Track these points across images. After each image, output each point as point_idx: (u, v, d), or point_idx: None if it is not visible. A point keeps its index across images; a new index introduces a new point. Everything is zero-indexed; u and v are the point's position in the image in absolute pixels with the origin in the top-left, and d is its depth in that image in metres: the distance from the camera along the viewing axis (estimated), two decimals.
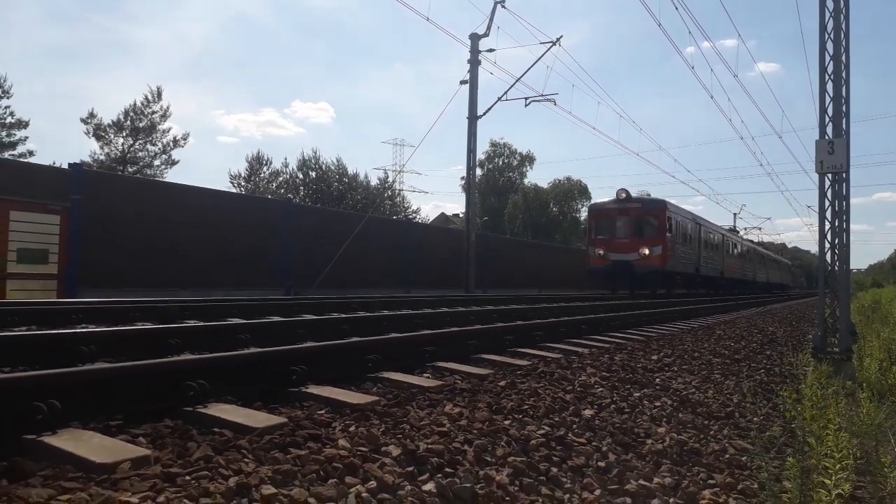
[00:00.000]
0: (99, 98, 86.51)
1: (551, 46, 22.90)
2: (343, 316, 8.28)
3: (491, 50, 23.63)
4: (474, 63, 23.60)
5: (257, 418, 3.17)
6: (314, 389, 3.87)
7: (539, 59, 23.57)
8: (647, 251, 22.78)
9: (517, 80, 23.57)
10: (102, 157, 43.86)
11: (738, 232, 43.96)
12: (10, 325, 6.26)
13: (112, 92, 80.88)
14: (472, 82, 23.67)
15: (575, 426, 3.89)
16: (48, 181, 14.06)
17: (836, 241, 9.38)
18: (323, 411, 3.49)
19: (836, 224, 9.36)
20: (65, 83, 69.69)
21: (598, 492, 3.07)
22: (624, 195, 24.10)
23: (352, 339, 5.75)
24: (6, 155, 39.98)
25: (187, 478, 2.36)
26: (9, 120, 40.93)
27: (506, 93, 24.01)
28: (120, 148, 44.30)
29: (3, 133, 40.93)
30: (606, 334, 8.71)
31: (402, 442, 3.04)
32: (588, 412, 4.24)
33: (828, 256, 9.44)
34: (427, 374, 4.81)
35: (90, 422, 2.92)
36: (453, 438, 3.22)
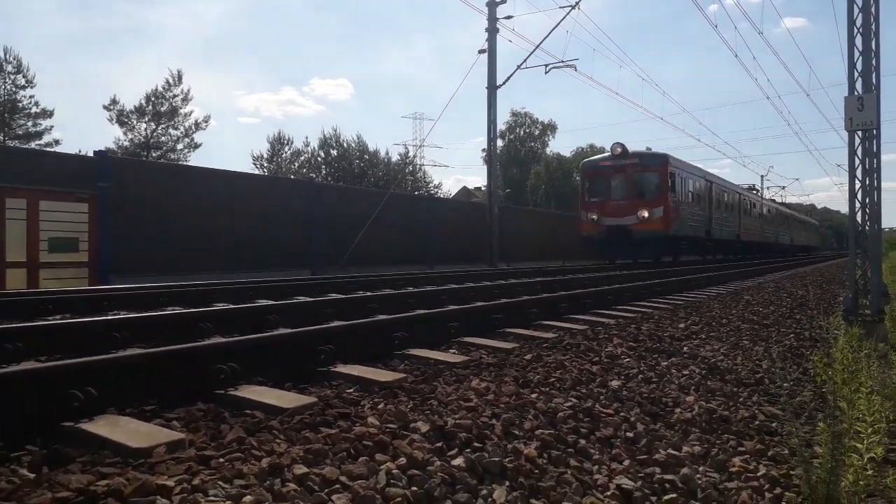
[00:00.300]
0: (121, 84, 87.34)
1: (570, 10, 22.44)
2: (369, 294, 8.35)
3: (509, 17, 23.39)
4: (492, 31, 23.29)
5: (288, 399, 3.23)
6: (342, 368, 3.92)
7: (558, 24, 23.16)
8: (646, 213, 20.25)
9: (536, 47, 23.23)
10: (126, 144, 44.37)
11: (757, 191, 40.21)
12: (45, 313, 6.41)
13: (134, 77, 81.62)
14: (491, 51, 23.39)
15: (602, 397, 3.90)
16: (75, 170, 14.26)
17: (867, 199, 9.17)
18: (352, 390, 3.54)
19: (867, 182, 9.14)
20: (87, 70, 70.47)
21: (626, 462, 3.08)
22: (619, 150, 21.46)
23: (378, 317, 5.80)
24: (33, 144, 40.65)
25: (221, 460, 2.41)
26: (34, 110, 41.48)
27: (525, 60, 23.70)
28: (143, 133, 44.74)
29: (30, 123, 41.52)
30: (632, 304, 8.67)
31: (430, 418, 3.07)
32: (615, 383, 4.24)
33: (858, 216, 9.24)
34: (453, 350, 4.84)
35: (126, 407, 3.00)
36: (481, 413, 3.25)
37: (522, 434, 3.11)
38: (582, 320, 6.78)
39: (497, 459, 2.71)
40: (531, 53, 24.50)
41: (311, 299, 7.37)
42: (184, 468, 2.29)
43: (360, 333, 4.53)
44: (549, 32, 23.15)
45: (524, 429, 3.17)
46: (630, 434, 3.42)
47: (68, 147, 44.51)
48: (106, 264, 13.27)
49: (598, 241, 21.38)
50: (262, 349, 3.81)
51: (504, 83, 23.59)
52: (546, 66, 23.78)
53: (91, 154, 15.85)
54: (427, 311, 5.90)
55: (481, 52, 23.55)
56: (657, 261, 21.59)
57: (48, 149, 39.18)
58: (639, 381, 4.42)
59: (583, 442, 3.18)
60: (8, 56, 40.00)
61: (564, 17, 22.77)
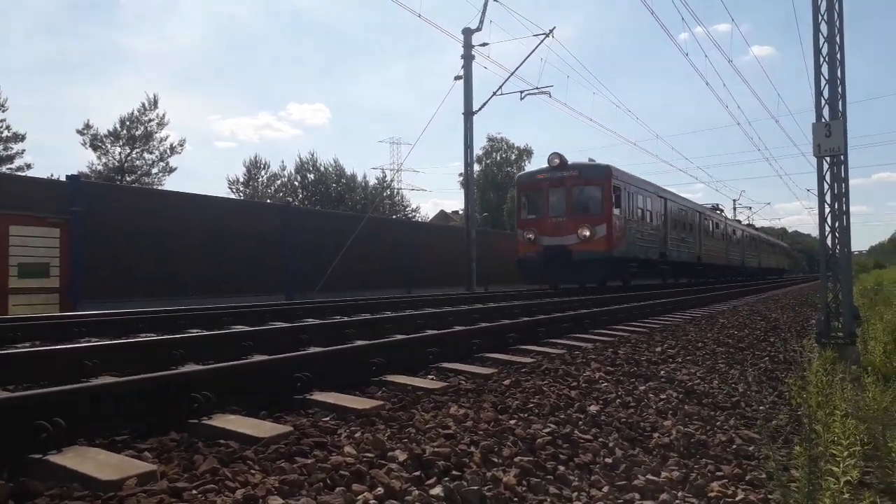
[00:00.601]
0: (95, 108, 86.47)
1: (545, 38, 22.80)
2: (346, 319, 8.28)
3: (484, 44, 23.59)
4: (468, 58, 23.56)
5: (263, 428, 3.17)
6: (319, 396, 3.87)
7: (533, 51, 23.53)
8: (587, 232, 18.02)
9: (511, 74, 23.58)
10: (100, 168, 43.82)
11: (721, 210, 37.22)
12: (13, 341, 6.26)
13: (108, 102, 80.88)
14: (467, 78, 23.63)
15: (581, 423, 3.89)
16: (47, 194, 14.06)
17: (836, 223, 9.36)
18: (328, 418, 3.49)
19: (836, 207, 9.33)
20: (60, 94, 69.76)
21: (606, 489, 3.06)
22: (557, 161, 19.19)
23: (355, 342, 5.75)
24: (4, 169, 39.97)
25: (194, 492, 2.35)
26: (5, 133, 40.90)
27: (500, 87, 23.95)
28: (117, 157, 44.25)
29: (0, 147, 40.89)
30: (610, 327, 8.71)
31: (408, 446, 3.04)
32: (593, 408, 4.24)
33: (828, 240, 9.42)
34: (431, 376, 4.81)
35: (96, 438, 2.93)
36: (459, 440, 3.22)
37: (501, 461, 3.09)
38: (560, 344, 6.79)
39: (476, 488, 2.68)
40: (506, 80, 24.83)
41: (287, 325, 7.30)
42: (155, 501, 2.23)
43: (336, 360, 4.48)
44: (524, 60, 23.91)
45: (503, 456, 3.14)
46: (609, 460, 3.41)
47: (40, 171, 43.91)
48: (77, 290, 13.03)
49: (534, 263, 18.92)
50: (237, 377, 3.75)
51: (480, 109, 23.82)
52: (521, 92, 24.08)
53: (63, 178, 15.65)
54: (405, 336, 5.87)
55: (457, 78, 23.78)
56: (602, 285, 19.85)
57: (19, 173, 38.57)
58: (617, 406, 4.42)
59: (562, 468, 3.16)
60: None
61: (539, 45, 23.14)
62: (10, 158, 41.20)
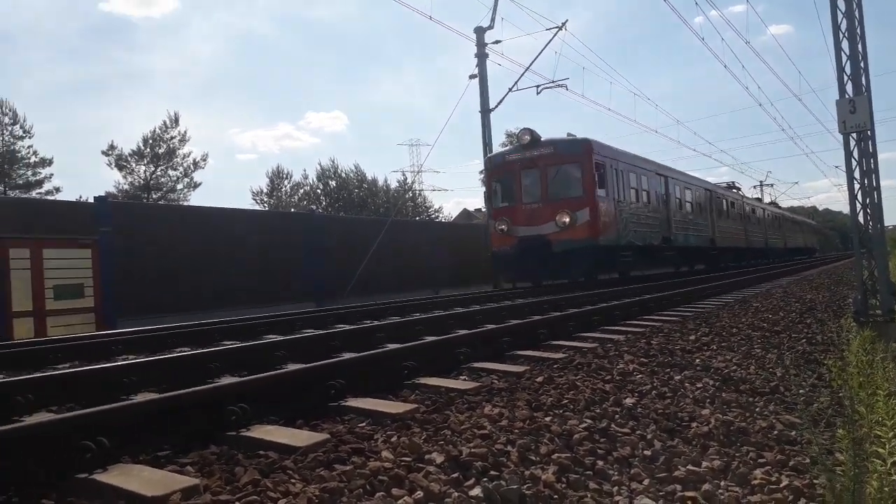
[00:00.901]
0: (119, 129, 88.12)
1: (558, 31, 22.61)
2: (376, 323, 8.32)
3: (497, 42, 23.56)
4: (481, 56, 23.51)
5: (300, 437, 3.20)
6: (354, 402, 3.90)
7: (546, 45, 23.33)
8: (567, 218, 15.62)
9: (526, 69, 23.41)
10: (126, 187, 44.66)
11: (738, 188, 33.68)
12: (54, 362, 6.39)
13: (131, 122, 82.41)
14: (482, 75, 23.59)
15: (617, 416, 3.86)
16: (76, 216, 14.38)
17: (867, 200, 9.17)
18: (364, 424, 3.51)
19: (866, 183, 9.15)
20: (84, 118, 71.22)
21: (646, 481, 3.04)
22: (528, 137, 16.79)
23: (387, 347, 5.78)
24: (34, 193, 40.90)
25: None
26: (33, 159, 41.83)
27: (516, 83, 23.81)
28: (142, 176, 45.05)
29: (29, 172, 41.82)
30: (642, 318, 8.63)
31: (445, 448, 3.04)
32: (629, 400, 4.20)
33: (860, 217, 9.23)
34: (463, 377, 4.81)
35: (139, 454, 2.98)
36: (495, 440, 3.22)
37: (539, 459, 3.08)
38: (591, 338, 6.74)
39: (515, 487, 2.67)
40: (521, 76, 24.55)
41: (318, 332, 7.35)
42: None
43: (369, 365, 4.51)
44: (538, 54, 23.28)
45: (540, 454, 3.13)
46: (648, 452, 3.38)
47: (69, 194, 44.93)
48: (112, 308, 13.27)
49: (509, 257, 16.55)
50: (272, 387, 3.80)
51: (496, 106, 23.75)
52: (537, 86, 23.92)
53: (91, 200, 15.97)
54: (435, 338, 5.88)
55: (472, 76, 23.75)
56: (589, 279, 17.09)
57: (48, 197, 39.46)
58: (653, 398, 4.38)
59: (600, 463, 3.15)
60: (3, 108, 40.48)
61: (552, 39, 22.97)
62: (40, 183, 42.14)
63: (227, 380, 4.69)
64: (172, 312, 13.67)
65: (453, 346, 5.33)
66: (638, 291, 12.61)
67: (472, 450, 3.03)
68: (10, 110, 40.67)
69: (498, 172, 17.69)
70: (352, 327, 7.77)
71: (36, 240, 12.59)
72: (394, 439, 3.18)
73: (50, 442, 2.72)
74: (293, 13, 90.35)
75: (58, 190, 42.72)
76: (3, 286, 11.95)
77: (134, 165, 44.98)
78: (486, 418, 3.57)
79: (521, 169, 16.75)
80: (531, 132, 16.87)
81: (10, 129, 40.75)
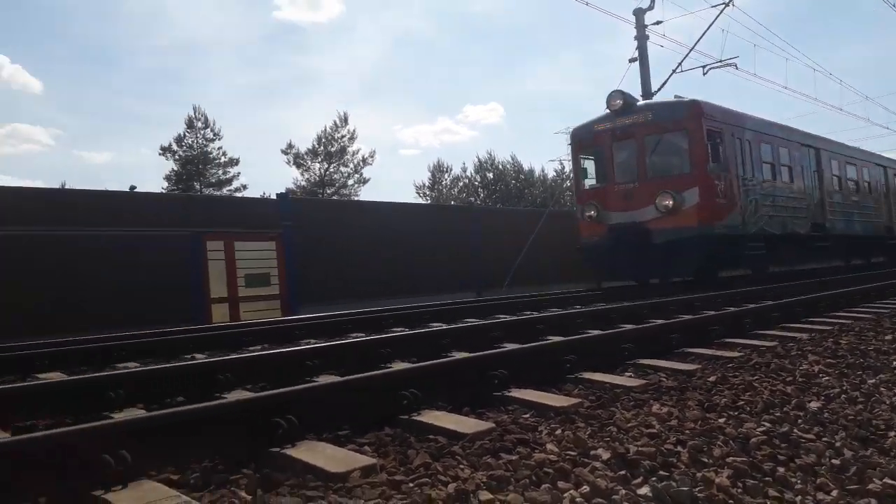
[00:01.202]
0: (296, 128, 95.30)
1: (724, 8, 21.13)
2: (537, 315, 8.35)
3: (658, 22, 22.38)
4: (641, 38, 22.55)
5: (467, 424, 3.31)
6: (516, 393, 3.96)
7: (712, 23, 21.83)
8: (669, 201, 12.68)
9: (691, 50, 22.06)
10: (304, 183, 48.30)
11: None
12: (247, 344, 7.11)
13: (306, 121, 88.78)
14: (642, 58, 22.60)
15: (800, 421, 3.59)
16: (262, 211, 15.87)
17: None
18: (527, 415, 3.56)
19: None
20: (265, 119, 77.47)
21: (835, 492, 2.81)
22: (619, 102, 13.79)
23: (549, 339, 5.79)
24: (224, 191, 45.44)
25: (410, 485, 2.53)
26: (222, 159, 46.44)
27: (680, 64, 22.54)
28: (317, 173, 48.47)
29: (220, 171, 46.50)
30: (828, 314, 7.91)
31: (611, 445, 3.01)
32: (814, 404, 3.89)
33: None
34: (629, 373, 4.70)
35: (322, 433, 3.24)
36: (664, 440, 3.13)
37: (712, 462, 2.95)
38: (770, 336, 6.29)
39: (686, 489, 2.59)
40: (686, 56, 23.22)
41: (480, 322, 7.52)
42: (378, 492, 2.44)
43: (531, 357, 4.55)
44: (703, 33, 21.93)
45: (713, 456, 3.00)
46: (836, 461, 3.11)
47: (254, 191, 49.26)
48: (294, 296, 14.46)
49: (600, 250, 13.71)
50: (440, 374, 3.96)
51: (660, 89, 22.54)
52: (703, 67, 22.50)
53: (274, 196, 17.49)
54: (600, 332, 5.80)
55: (632, 60, 22.81)
56: (703, 278, 13.75)
57: (237, 194, 43.64)
58: (842, 402, 4.02)
59: (781, 470, 2.95)
60: (197, 113, 45.42)
61: (718, 16, 21.45)
62: (229, 181, 46.72)
63: (399, 365, 4.95)
64: (346, 300, 14.61)
65: (618, 341, 5.22)
66: (827, 286, 11.53)
67: (640, 448, 2.97)
68: (202, 115, 45.60)
69: (585, 147, 14.91)
70: (512, 318, 7.86)
71: (228, 233, 14.02)
72: (558, 432, 3.20)
73: (248, 417, 3.04)
74: (450, 10, 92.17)
75: (244, 187, 47.13)
76: (202, 275, 13.45)
77: (309, 163, 48.57)
78: (653, 417, 3.47)
79: (613, 141, 13.94)
80: (623, 95, 13.92)
81: (202, 132, 45.65)
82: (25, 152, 69.10)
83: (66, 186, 35.81)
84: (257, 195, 38.35)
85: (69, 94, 71.12)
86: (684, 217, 12.66)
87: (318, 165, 48.52)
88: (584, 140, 14.92)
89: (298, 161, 48.39)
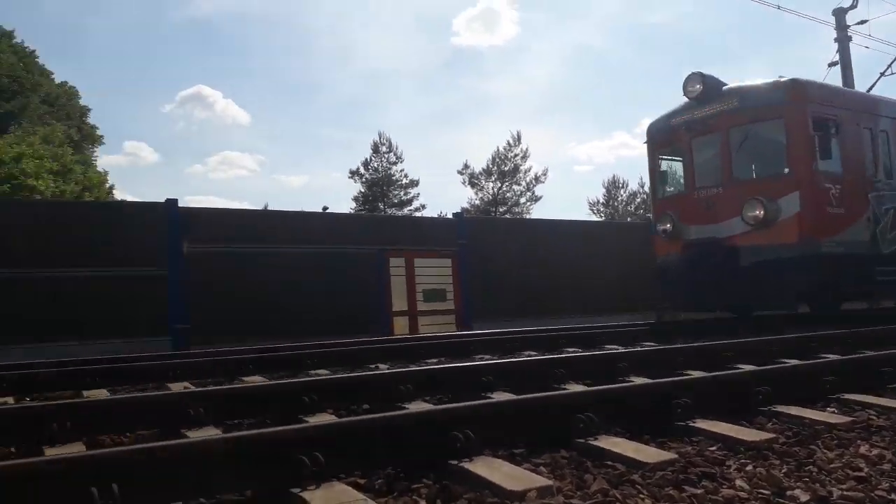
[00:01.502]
0: (471, 150, 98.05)
1: None
2: (726, 341, 7.82)
3: (862, 22, 20.27)
4: (843, 40, 20.51)
5: (647, 453, 3.19)
6: (701, 424, 3.74)
7: None
8: (758, 211, 10.00)
9: None
10: (477, 202, 49.46)
11: None
12: (425, 356, 7.40)
13: (480, 142, 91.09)
14: (844, 62, 20.55)
15: None
16: (439, 230, 16.51)
17: None
18: (714, 448, 3.35)
19: None
20: (441, 141, 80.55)
21: None
22: (698, 86, 10.98)
23: (738, 368, 5.41)
24: (405, 210, 47.82)
25: None
26: (404, 181, 49.03)
27: (889, 66, 20.16)
28: (491, 192, 49.43)
29: (401, 192, 49.07)
30: None
31: (810, 486, 2.75)
32: None
33: None
34: (831, 408, 4.26)
35: (497, 450, 3.28)
36: (875, 485, 2.79)
37: None
38: None
39: None
40: None
41: (659, 346, 7.21)
42: None
43: (717, 386, 4.27)
44: None
45: None
46: None
47: (431, 210, 51.31)
48: (468, 312, 14.83)
49: (675, 272, 11.10)
50: (617, 399, 3.85)
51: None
52: None
53: (450, 215, 18.14)
54: (797, 362, 5.31)
55: (832, 64, 20.84)
56: (811, 310, 10.98)
57: (416, 213, 45.72)
58: None
59: None
60: (381, 138, 48.57)
61: None
62: (409, 201, 49.12)
63: (574, 387, 4.89)
64: (519, 317, 14.70)
65: (819, 373, 4.75)
66: None
67: (845, 492, 2.68)
68: (386, 140, 48.68)
69: (661, 145, 12.16)
70: (697, 344, 7.43)
71: (408, 250, 14.75)
72: (749, 468, 2.98)
73: (428, 429, 3.17)
74: (626, 22, 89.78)
75: (423, 207, 49.24)
76: (386, 289, 14.24)
77: (483, 182, 49.67)
78: (861, 458, 3.12)
79: (692, 137, 11.18)
80: (704, 78, 10.95)
81: (386, 156, 48.60)
82: (235, 177, 77.85)
83: (268, 207, 39.83)
84: (434, 214, 39.90)
85: (271, 123, 79.44)
86: (780, 231, 9.88)
87: (491, 184, 49.51)
88: (660, 137, 12.15)
89: (473, 181, 49.72)
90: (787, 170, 10.25)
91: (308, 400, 4.36)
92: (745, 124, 10.53)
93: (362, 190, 48.63)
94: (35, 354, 8.70)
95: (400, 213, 46.41)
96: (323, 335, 10.18)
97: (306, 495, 2.61)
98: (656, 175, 12.53)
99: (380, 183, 48.19)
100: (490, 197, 49.29)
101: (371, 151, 48.69)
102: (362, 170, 48.52)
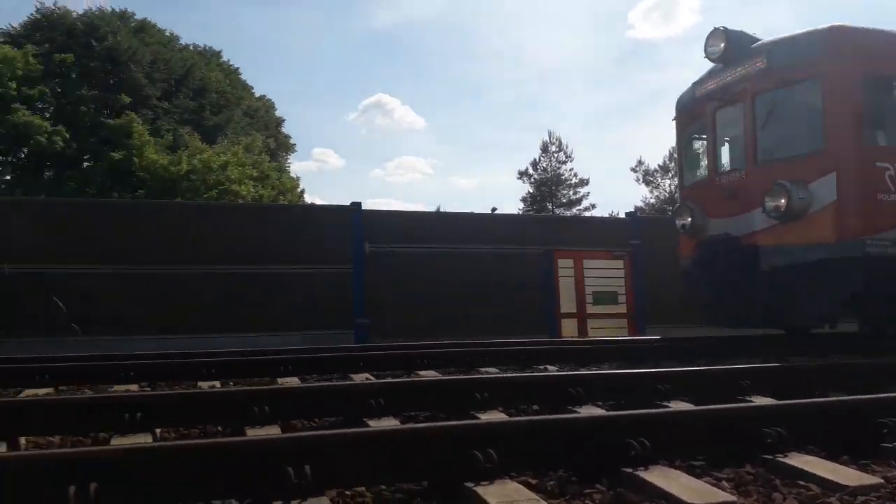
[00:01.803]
0: (645, 146, 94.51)
1: None
2: None
3: None
4: None
5: (846, 475, 2.91)
6: None
7: None
8: (781, 200, 7.58)
9: None
10: (652, 201, 47.54)
11: None
12: (599, 360, 7.23)
13: (655, 139, 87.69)
14: None
15: None
16: (610, 230, 16.10)
17: None
18: None
19: None
20: (614, 138, 78.46)
21: None
22: (721, 44, 8.56)
23: None
24: (574, 210, 47.10)
25: None
26: (573, 180, 48.31)
27: None
28: (667, 189, 47.23)
29: (571, 192, 48.41)
30: None
31: None
32: None
33: None
34: None
35: (674, 460, 3.15)
36: None
37: None
38: None
39: None
40: None
41: (867, 361, 6.49)
42: None
43: None
44: None
45: None
46: None
47: (602, 210, 50.09)
48: (641, 316, 14.31)
49: (693, 275, 9.23)
50: (813, 415, 3.54)
51: None
52: None
53: (622, 215, 17.60)
54: None
55: None
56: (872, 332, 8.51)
57: (586, 213, 44.89)
58: None
59: None
60: (551, 138, 48.19)
61: None
62: (579, 201, 48.34)
63: (762, 400, 4.57)
64: (687, 323, 13.90)
65: None
66: None
67: None
68: (556, 139, 48.26)
69: (688, 121, 9.89)
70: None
71: (577, 251, 14.52)
72: None
73: (602, 435, 3.12)
74: (818, 2, 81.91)
75: (594, 206, 48.25)
76: (554, 290, 14.14)
77: (659, 180, 47.62)
78: None
79: (717, 110, 8.97)
80: (727, 34, 8.57)
81: (556, 155, 48.17)
82: (411, 180, 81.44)
83: (441, 209, 41.18)
84: (605, 214, 38.98)
85: (444, 127, 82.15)
86: (812, 225, 7.55)
87: (668, 182, 47.36)
88: (685, 111, 9.88)
89: (647, 178, 47.88)
90: (821, 144, 7.78)
91: (479, 397, 4.46)
92: (773, 89, 8.24)
93: (530, 190, 48.70)
94: (236, 343, 9.73)
95: (569, 212, 45.87)
96: (490, 335, 10.37)
97: (480, 490, 2.68)
98: (682, 158, 10.62)
99: (548, 183, 47.93)
100: (666, 195, 47.17)
101: (540, 151, 48.61)
102: (531, 170, 48.57)
